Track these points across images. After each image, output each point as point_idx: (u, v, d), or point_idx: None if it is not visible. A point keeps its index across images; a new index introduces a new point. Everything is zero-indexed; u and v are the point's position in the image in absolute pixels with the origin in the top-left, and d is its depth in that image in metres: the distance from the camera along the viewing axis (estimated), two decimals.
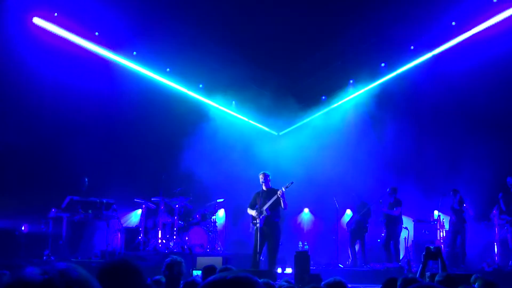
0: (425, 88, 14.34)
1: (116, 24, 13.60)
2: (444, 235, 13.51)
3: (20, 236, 12.39)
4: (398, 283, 4.62)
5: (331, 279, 4.40)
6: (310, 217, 16.46)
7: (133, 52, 14.76)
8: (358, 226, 13.94)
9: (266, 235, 10.89)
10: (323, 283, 4.40)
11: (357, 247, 14.00)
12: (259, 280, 1.72)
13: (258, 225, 10.82)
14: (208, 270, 6.27)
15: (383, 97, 15.40)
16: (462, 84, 13.75)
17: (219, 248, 14.05)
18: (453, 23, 13.39)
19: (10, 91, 13.11)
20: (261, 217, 10.85)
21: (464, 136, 14.29)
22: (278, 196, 10.80)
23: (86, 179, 13.29)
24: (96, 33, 13.92)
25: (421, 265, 5.44)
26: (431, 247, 5.49)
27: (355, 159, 15.48)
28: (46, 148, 13.84)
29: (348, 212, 15.36)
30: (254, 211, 11.06)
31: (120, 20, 13.45)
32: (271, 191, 10.99)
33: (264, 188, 11.09)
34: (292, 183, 10.90)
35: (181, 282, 5.65)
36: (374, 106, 15.55)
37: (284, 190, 10.79)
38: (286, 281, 5.81)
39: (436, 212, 13.97)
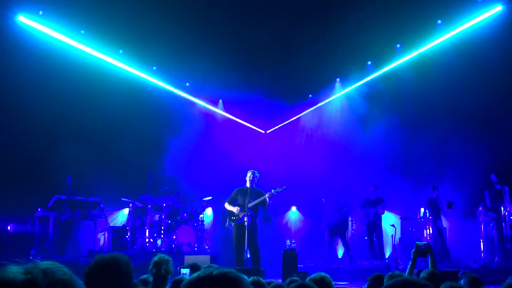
0: (412, 85, 14.39)
1: (102, 22, 13.50)
2: (431, 232, 13.58)
3: (6, 236, 12.29)
4: (385, 280, 4.63)
5: (316, 274, 4.41)
6: (298, 215, 16.46)
7: (119, 50, 14.66)
8: (338, 224, 13.90)
9: (248, 233, 10.73)
10: (308, 278, 4.40)
11: (340, 245, 14.04)
12: (247, 278, 1.71)
13: (245, 223, 10.68)
14: (192, 268, 6.26)
15: (370, 95, 15.45)
16: (448, 82, 13.81)
17: (206, 247, 14.03)
18: (439, 22, 13.47)
19: None
20: (243, 214, 10.69)
21: (450, 134, 14.36)
22: (265, 198, 10.59)
23: (69, 177, 13.21)
24: (82, 31, 13.82)
25: (410, 262, 5.38)
26: (421, 243, 5.45)
27: (342, 156, 15.52)
28: (32, 148, 13.72)
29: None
30: (235, 207, 10.93)
31: (106, 18, 13.35)
32: (256, 191, 10.80)
33: (248, 185, 10.94)
34: (284, 188, 10.62)
35: (169, 280, 5.61)
36: (361, 104, 15.60)
37: (273, 192, 10.56)
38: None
39: (422, 210, 14.04)
